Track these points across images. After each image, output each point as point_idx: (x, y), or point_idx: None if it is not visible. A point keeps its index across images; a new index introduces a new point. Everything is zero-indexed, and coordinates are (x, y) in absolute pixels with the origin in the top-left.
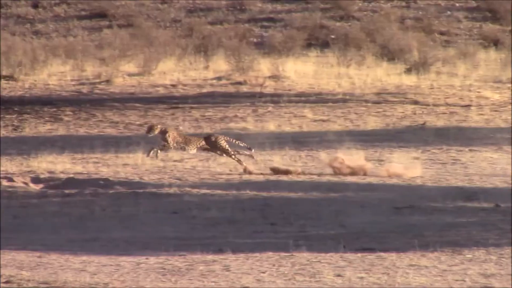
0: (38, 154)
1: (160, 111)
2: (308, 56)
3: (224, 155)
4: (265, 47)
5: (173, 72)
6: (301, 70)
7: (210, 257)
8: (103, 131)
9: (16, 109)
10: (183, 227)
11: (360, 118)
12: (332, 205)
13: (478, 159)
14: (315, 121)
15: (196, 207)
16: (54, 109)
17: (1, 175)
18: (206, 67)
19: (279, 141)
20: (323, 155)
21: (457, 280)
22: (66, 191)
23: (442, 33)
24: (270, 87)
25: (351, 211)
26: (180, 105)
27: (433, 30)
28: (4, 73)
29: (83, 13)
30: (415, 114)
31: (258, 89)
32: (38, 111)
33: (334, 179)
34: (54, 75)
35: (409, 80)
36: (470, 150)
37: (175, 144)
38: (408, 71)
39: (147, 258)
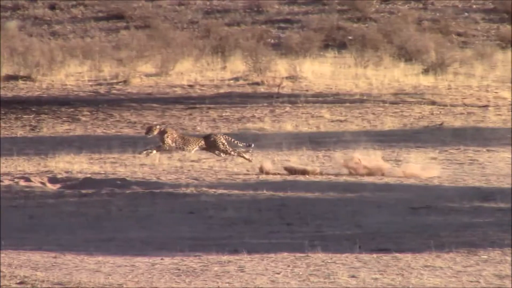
0: (56, 154)
1: (178, 111)
2: (326, 57)
3: (223, 154)
4: (282, 48)
5: (190, 72)
6: (318, 71)
7: (225, 257)
8: (121, 131)
9: (33, 109)
10: (200, 227)
11: (377, 118)
12: (349, 205)
13: (496, 160)
14: (332, 121)
15: (212, 207)
16: (72, 109)
17: (18, 175)
18: (224, 68)
19: (296, 141)
20: (340, 155)
21: (471, 281)
22: (83, 191)
23: (459, 34)
24: (287, 87)
25: (368, 211)
26: (198, 106)
27: (450, 32)
28: (22, 73)
29: (100, 14)
30: (432, 114)
31: (275, 90)
32: (56, 111)
33: (351, 179)
34: (72, 75)
35: (427, 81)
36: (488, 151)
37: (173, 145)
38: (426, 71)
39: (162, 259)
